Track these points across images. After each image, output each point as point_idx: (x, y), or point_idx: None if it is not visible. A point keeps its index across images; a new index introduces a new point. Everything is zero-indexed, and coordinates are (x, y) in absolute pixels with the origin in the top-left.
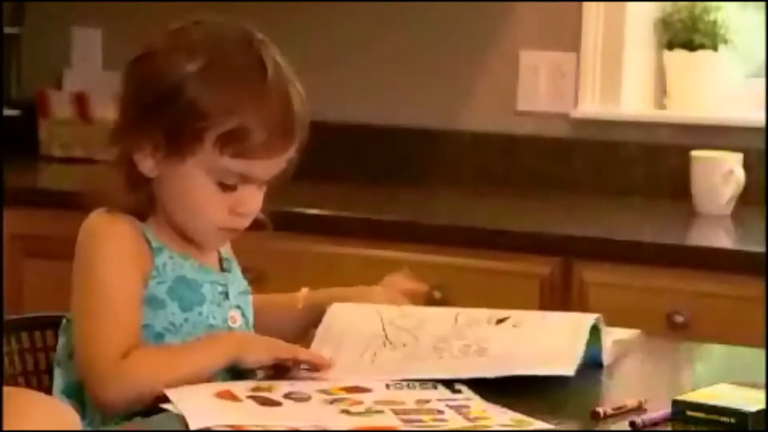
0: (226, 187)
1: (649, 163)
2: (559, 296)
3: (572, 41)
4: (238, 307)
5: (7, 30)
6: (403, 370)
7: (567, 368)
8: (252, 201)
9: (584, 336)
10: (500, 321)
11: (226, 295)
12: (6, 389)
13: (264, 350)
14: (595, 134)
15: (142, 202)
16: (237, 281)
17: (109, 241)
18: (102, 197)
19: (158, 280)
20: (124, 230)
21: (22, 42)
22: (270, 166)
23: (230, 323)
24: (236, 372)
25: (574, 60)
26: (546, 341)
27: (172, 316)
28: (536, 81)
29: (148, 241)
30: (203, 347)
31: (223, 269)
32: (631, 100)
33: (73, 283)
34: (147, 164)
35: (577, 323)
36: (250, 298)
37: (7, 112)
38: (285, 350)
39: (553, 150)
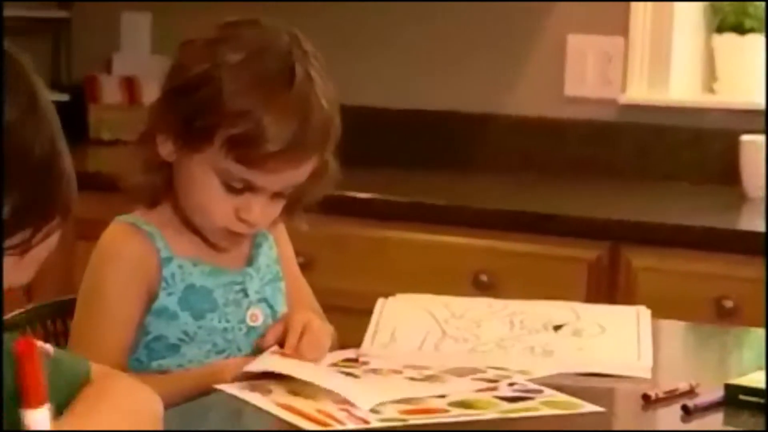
0: (231, 189)
1: (697, 147)
2: (606, 281)
3: (620, 25)
4: (263, 300)
5: (57, 15)
6: (471, 360)
7: (643, 372)
8: (259, 210)
9: (649, 340)
10: (557, 328)
11: (245, 293)
12: (100, 368)
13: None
14: (643, 119)
15: (158, 185)
16: (262, 270)
17: (118, 261)
18: (122, 176)
19: (168, 291)
20: (134, 250)
21: (72, 27)
22: (278, 180)
23: (249, 322)
24: None
25: (622, 44)
26: (611, 350)
27: (185, 326)
28: (584, 66)
29: (158, 250)
30: (179, 376)
31: (250, 258)
32: (680, 85)
33: (80, 290)
34: (166, 148)
35: (635, 327)
36: (282, 284)
37: (57, 96)
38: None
39: (600, 135)
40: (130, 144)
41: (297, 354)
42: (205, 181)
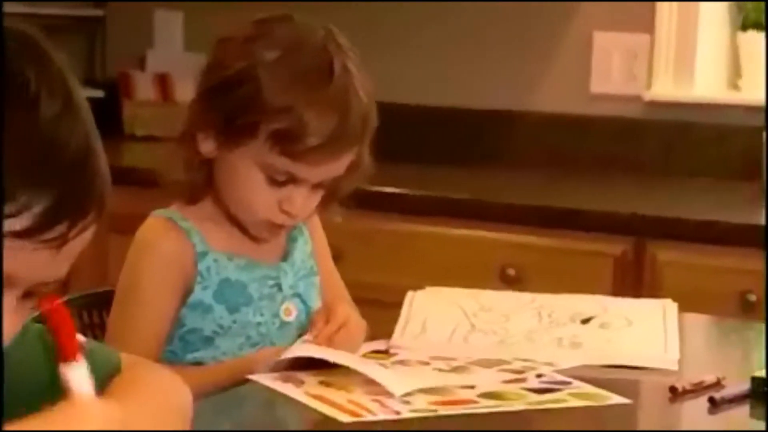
0: (274, 182)
1: (721, 144)
2: (631, 275)
3: (646, 23)
4: (297, 295)
5: (92, 12)
6: (500, 352)
7: (670, 365)
8: (301, 201)
9: (675, 332)
10: (585, 321)
11: (279, 287)
12: (130, 357)
13: (266, 362)
14: (668, 116)
15: (199, 182)
16: (297, 265)
17: (154, 256)
18: (162, 173)
19: (203, 284)
20: (169, 245)
21: (107, 25)
22: (320, 171)
23: (283, 317)
24: None
25: (647, 42)
26: (639, 343)
27: (220, 319)
28: (609, 63)
29: (193, 245)
30: (213, 368)
31: (285, 252)
32: (704, 82)
33: (118, 283)
34: (207, 145)
35: (662, 320)
36: (316, 279)
37: (93, 93)
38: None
39: (625, 131)
40: (169, 142)
41: (330, 344)
42: (248, 175)
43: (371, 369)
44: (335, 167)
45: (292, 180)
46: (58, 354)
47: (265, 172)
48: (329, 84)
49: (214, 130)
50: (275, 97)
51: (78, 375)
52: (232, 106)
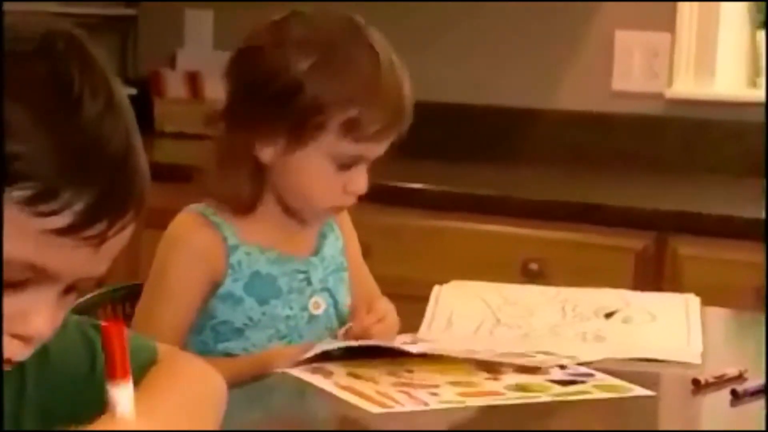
0: (342, 167)
1: (741, 141)
2: (652, 270)
3: (667, 22)
4: (326, 289)
5: (124, 12)
6: (524, 346)
7: (693, 358)
8: (363, 179)
9: (698, 326)
10: (608, 315)
11: (309, 281)
12: (164, 347)
13: (286, 360)
14: (689, 113)
15: (257, 191)
16: (327, 260)
17: (182, 249)
18: (216, 186)
19: (234, 277)
20: (199, 239)
21: (138, 24)
22: (381, 147)
23: (312, 310)
24: None
25: (668, 40)
26: (662, 337)
27: (250, 311)
28: (631, 61)
29: (225, 239)
30: (233, 362)
31: (315, 247)
32: (725, 80)
33: (150, 273)
34: (268, 153)
35: (684, 314)
36: (345, 275)
37: (125, 91)
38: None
39: (646, 128)
40: (211, 153)
41: (366, 335)
42: (317, 167)
43: (387, 342)
44: (389, 141)
45: (355, 162)
46: (108, 370)
47: (335, 160)
48: (379, 66)
49: (276, 137)
50: (334, 95)
51: (123, 395)
52: (294, 115)
